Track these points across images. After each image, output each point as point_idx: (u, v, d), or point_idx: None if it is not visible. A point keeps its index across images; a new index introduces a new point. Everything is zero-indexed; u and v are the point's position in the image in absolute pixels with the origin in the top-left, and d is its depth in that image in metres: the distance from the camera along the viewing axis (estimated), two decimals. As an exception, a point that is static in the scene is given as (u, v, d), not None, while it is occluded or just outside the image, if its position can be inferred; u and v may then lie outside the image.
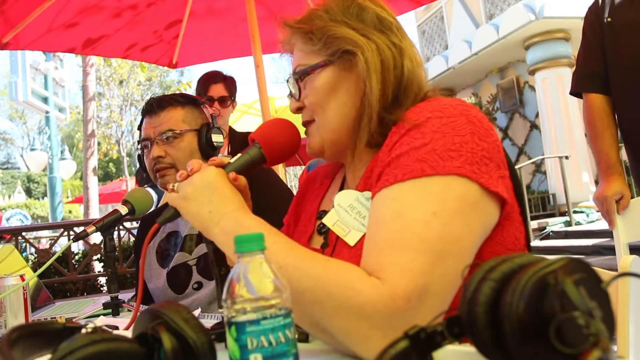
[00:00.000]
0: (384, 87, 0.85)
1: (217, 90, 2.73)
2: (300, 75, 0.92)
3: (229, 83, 2.77)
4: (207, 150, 1.56)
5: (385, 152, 0.80)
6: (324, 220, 0.90)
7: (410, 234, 0.69)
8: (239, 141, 2.78)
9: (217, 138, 1.58)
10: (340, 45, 0.87)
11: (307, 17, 0.91)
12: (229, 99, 2.75)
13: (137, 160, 1.72)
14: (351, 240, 0.84)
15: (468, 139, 0.75)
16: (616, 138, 1.92)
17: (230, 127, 2.88)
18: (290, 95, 0.96)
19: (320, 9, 0.91)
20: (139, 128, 1.63)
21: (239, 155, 0.92)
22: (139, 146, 1.61)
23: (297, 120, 0.97)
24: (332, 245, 0.88)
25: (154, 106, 1.56)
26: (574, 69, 2.07)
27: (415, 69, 0.88)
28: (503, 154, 0.79)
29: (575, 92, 2.03)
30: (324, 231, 0.92)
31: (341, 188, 0.98)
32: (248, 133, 2.81)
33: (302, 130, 0.97)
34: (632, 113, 1.88)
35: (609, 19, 1.89)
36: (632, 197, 1.84)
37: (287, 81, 0.96)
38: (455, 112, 0.77)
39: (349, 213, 0.86)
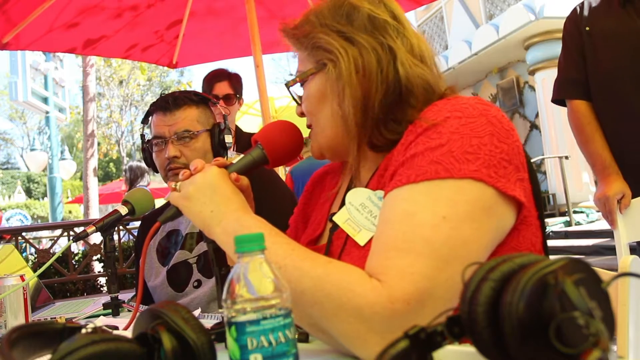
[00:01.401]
0: (366, 93, 0.82)
1: (222, 88, 2.73)
2: (290, 84, 0.93)
3: (234, 81, 2.77)
4: (219, 151, 1.57)
5: (401, 151, 0.79)
6: (335, 218, 0.89)
7: (417, 236, 0.68)
8: (245, 141, 2.78)
9: (228, 139, 1.58)
10: (321, 56, 0.87)
11: (300, 22, 0.91)
12: (234, 97, 2.75)
13: (137, 157, 1.70)
14: (361, 240, 0.83)
15: (487, 141, 0.73)
16: (605, 140, 1.93)
17: (236, 126, 2.88)
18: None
19: (312, 12, 0.90)
20: (144, 122, 1.61)
21: (242, 156, 0.92)
22: (148, 143, 1.58)
23: (298, 120, 0.97)
24: (341, 244, 0.87)
25: (170, 103, 1.53)
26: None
27: (414, 69, 0.84)
28: (523, 156, 0.77)
29: (558, 99, 2.04)
30: (332, 232, 0.91)
31: (349, 188, 0.97)
32: (254, 133, 2.81)
33: (304, 131, 0.97)
34: (613, 119, 1.90)
35: (587, 28, 1.92)
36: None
37: (286, 86, 0.95)
38: (475, 112, 0.75)
39: (360, 212, 0.85)
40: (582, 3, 1.98)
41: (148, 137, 1.60)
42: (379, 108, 0.83)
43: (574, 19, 1.99)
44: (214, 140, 1.56)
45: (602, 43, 1.89)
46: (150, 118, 1.60)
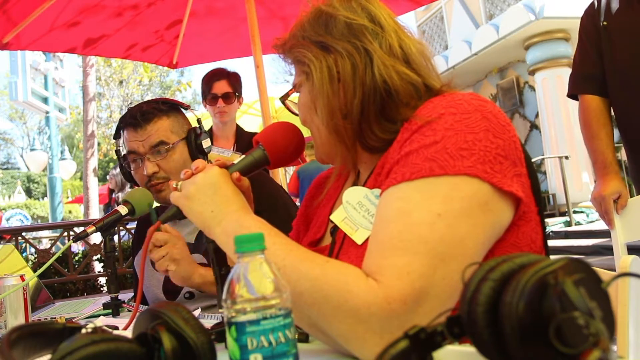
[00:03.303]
0: (343, 99, 0.85)
1: (221, 87, 2.74)
2: (284, 98, 0.97)
3: (233, 79, 2.78)
4: (198, 157, 1.53)
5: (396, 149, 0.79)
6: (332, 217, 0.89)
7: (413, 235, 0.68)
8: (245, 140, 2.79)
9: (206, 143, 1.54)
10: (301, 68, 0.90)
11: (287, 37, 0.94)
12: (233, 95, 2.75)
13: (119, 170, 1.61)
14: (359, 238, 0.83)
15: (482, 137, 0.73)
16: (612, 138, 1.92)
17: (237, 126, 2.88)
18: None
19: (297, 25, 0.92)
20: (115, 137, 1.56)
21: (243, 156, 0.92)
22: (124, 159, 1.54)
23: (299, 121, 0.98)
24: (339, 243, 0.87)
25: (138, 119, 1.48)
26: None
27: (391, 69, 0.83)
28: (520, 151, 0.77)
29: (573, 94, 2.04)
30: (334, 232, 0.91)
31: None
32: (255, 133, 2.82)
33: (306, 133, 0.97)
34: (631, 114, 1.89)
35: (604, 23, 1.90)
36: (630, 197, 1.84)
37: (281, 100, 1.00)
38: (470, 108, 0.75)
39: (357, 210, 0.85)
40: None
41: (123, 151, 1.56)
42: (361, 111, 0.84)
43: (591, 13, 1.97)
44: (191, 147, 1.52)
45: (619, 38, 1.87)
46: (121, 132, 1.55)
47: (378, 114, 0.84)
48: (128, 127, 1.51)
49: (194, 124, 1.59)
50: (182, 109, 1.60)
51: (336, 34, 0.87)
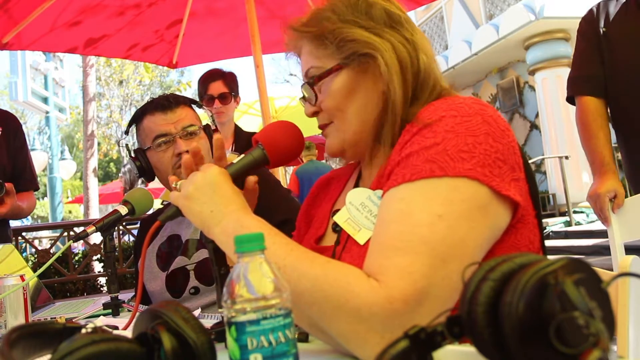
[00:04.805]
0: (405, 86, 0.84)
1: (217, 87, 2.72)
2: (315, 80, 0.89)
3: (229, 79, 2.76)
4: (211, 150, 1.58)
5: (397, 150, 0.79)
6: (335, 218, 0.89)
7: (414, 236, 0.68)
8: (244, 140, 2.78)
9: None
10: (355, 49, 0.85)
11: (314, 19, 0.89)
12: (229, 95, 2.74)
13: (130, 162, 1.62)
14: (361, 239, 0.83)
15: (482, 140, 0.73)
16: (609, 138, 1.93)
17: (235, 125, 2.87)
18: (304, 99, 0.95)
19: (326, 9, 0.88)
20: (135, 121, 1.57)
21: (243, 155, 0.92)
22: (139, 150, 1.55)
23: (298, 121, 0.97)
24: (342, 243, 0.87)
25: (171, 102, 1.54)
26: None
27: (431, 63, 0.86)
28: (519, 156, 0.77)
29: (572, 96, 2.04)
30: (338, 230, 0.91)
31: (356, 186, 0.97)
32: (253, 133, 2.82)
33: (305, 132, 0.97)
34: (632, 119, 1.90)
35: (604, 29, 1.92)
36: (626, 196, 1.84)
37: (302, 86, 0.94)
38: (471, 111, 0.76)
39: (360, 211, 0.86)
40: (599, 5, 1.99)
41: (135, 145, 1.57)
42: (409, 101, 0.84)
43: (590, 20, 1.99)
44: (210, 139, 1.57)
45: (620, 44, 1.90)
46: (135, 124, 1.56)
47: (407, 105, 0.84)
48: (156, 111, 1.53)
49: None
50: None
51: (379, 21, 0.86)
